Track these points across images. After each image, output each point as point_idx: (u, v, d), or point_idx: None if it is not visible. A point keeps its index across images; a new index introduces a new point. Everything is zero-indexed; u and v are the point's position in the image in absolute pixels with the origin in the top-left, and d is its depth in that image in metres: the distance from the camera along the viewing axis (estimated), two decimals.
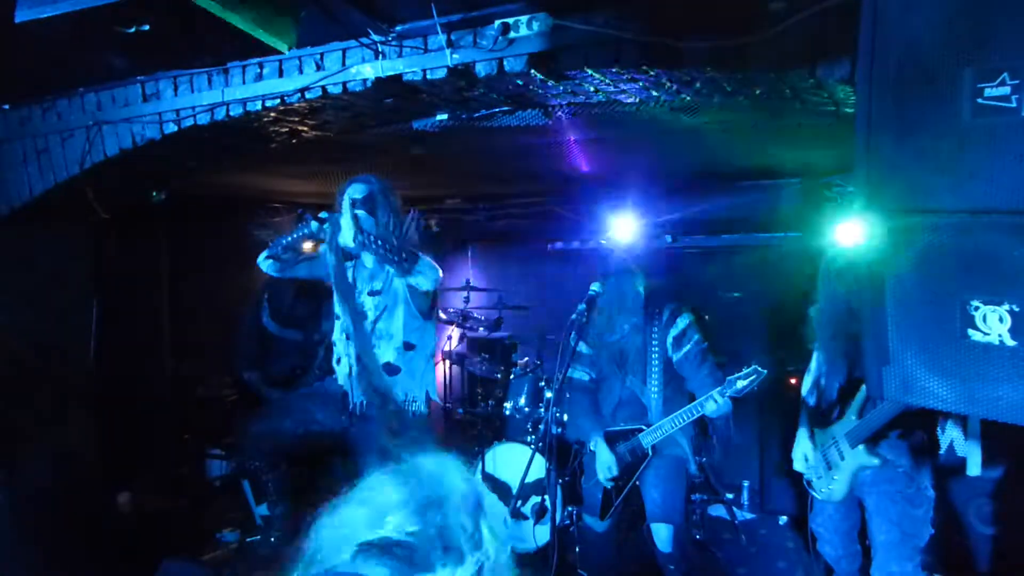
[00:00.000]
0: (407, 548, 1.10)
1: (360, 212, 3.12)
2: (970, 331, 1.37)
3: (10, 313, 4.00)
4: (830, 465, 2.98)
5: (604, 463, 3.53)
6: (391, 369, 3.23)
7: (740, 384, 3.27)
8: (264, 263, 3.37)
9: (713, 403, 3.30)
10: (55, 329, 4.26)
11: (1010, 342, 1.33)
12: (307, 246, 3.44)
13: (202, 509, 4.78)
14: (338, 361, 3.35)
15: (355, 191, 3.20)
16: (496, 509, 1.23)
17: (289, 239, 3.29)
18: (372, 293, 3.27)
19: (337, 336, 3.34)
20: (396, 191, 3.34)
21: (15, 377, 4.03)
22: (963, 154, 1.34)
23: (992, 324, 1.35)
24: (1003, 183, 1.30)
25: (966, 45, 1.33)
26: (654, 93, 2.60)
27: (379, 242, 3.02)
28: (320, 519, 1.18)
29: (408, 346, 3.25)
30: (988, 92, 1.30)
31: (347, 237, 3.04)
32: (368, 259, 3.29)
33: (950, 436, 2.77)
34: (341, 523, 1.15)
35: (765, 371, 3.28)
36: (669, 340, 3.56)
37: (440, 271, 3.22)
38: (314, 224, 3.14)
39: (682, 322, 3.57)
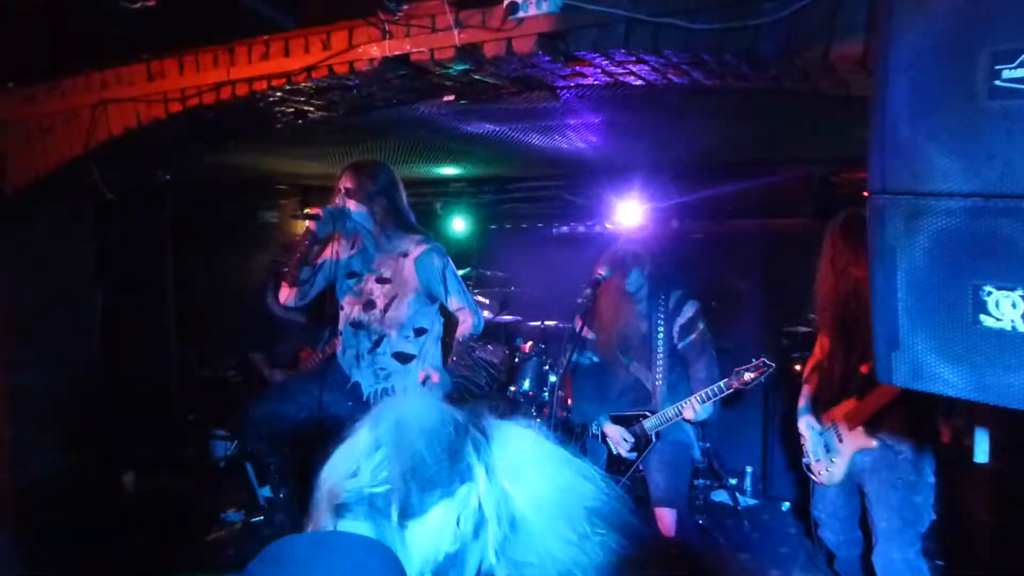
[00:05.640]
0: (386, 497, 1.06)
1: (352, 203, 3.11)
2: (982, 316, 1.36)
3: (14, 294, 4.00)
4: (828, 448, 2.98)
5: (618, 436, 3.55)
6: (404, 357, 3.21)
7: (747, 376, 3.26)
8: (290, 299, 3.19)
9: (707, 399, 3.33)
10: (60, 310, 4.26)
11: (1022, 328, 1.31)
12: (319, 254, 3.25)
13: (206, 490, 4.80)
14: (344, 350, 3.31)
15: (346, 180, 3.16)
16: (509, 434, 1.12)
17: (298, 258, 3.12)
18: (381, 280, 3.21)
19: (343, 325, 3.31)
20: (392, 174, 3.26)
21: (20, 359, 4.05)
22: (979, 137, 1.32)
23: (1005, 310, 1.33)
24: (1019, 166, 1.28)
25: (984, 27, 1.31)
26: (664, 75, 2.57)
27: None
28: (319, 471, 1.15)
29: (419, 331, 3.23)
30: (1006, 74, 1.28)
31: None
32: (372, 246, 3.25)
33: (955, 423, 2.76)
34: (328, 475, 1.12)
35: (773, 365, 3.27)
36: (675, 327, 3.54)
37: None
38: (325, 213, 3.05)
39: (688, 310, 3.55)
